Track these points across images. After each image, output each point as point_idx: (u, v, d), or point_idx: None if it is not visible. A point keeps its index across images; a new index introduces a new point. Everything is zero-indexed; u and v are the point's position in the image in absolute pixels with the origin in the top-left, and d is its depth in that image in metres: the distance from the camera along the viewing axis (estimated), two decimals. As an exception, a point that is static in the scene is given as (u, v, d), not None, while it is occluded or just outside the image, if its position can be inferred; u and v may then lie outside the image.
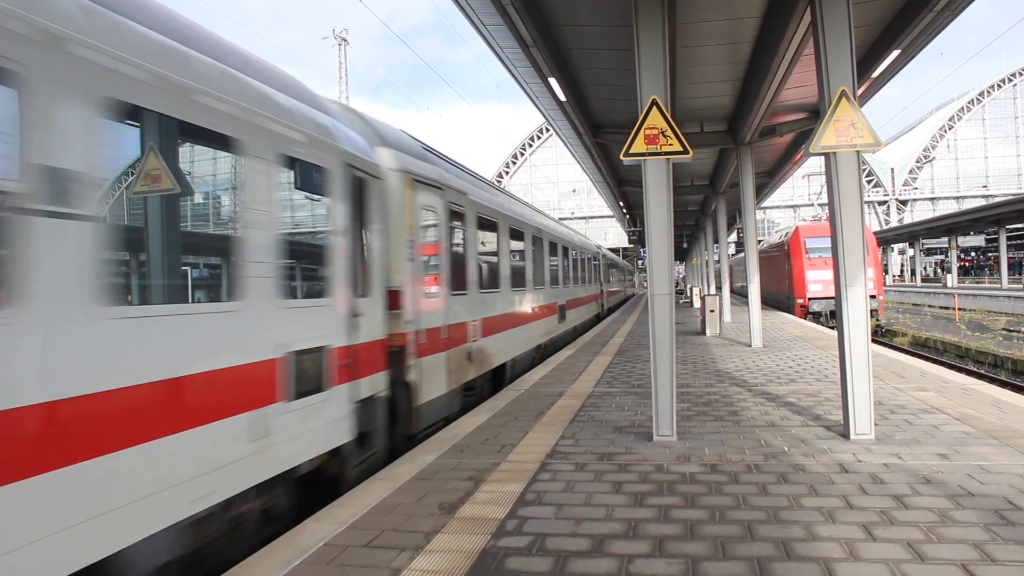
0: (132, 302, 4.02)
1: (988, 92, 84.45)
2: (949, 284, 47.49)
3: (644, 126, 6.34)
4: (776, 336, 16.02)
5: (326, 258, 5.34)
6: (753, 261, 14.87)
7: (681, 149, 6.32)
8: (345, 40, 47.52)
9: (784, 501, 4.41)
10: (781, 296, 30.17)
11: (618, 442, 6.19)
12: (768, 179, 23.16)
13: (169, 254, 3.99)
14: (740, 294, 41.62)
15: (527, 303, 12.52)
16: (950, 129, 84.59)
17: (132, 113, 3.53)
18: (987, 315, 31.67)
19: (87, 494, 3.03)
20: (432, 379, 7.24)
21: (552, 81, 10.83)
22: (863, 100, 13.18)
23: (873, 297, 25.30)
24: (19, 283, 2.79)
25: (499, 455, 5.87)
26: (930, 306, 41.25)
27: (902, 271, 71.05)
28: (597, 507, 4.44)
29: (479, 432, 6.80)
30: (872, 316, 24.79)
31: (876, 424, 6.25)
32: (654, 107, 6.34)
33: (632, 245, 51.17)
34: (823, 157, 6.30)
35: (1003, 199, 50.56)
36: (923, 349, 23.01)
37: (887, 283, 55.83)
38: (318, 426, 4.97)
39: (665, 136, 6.32)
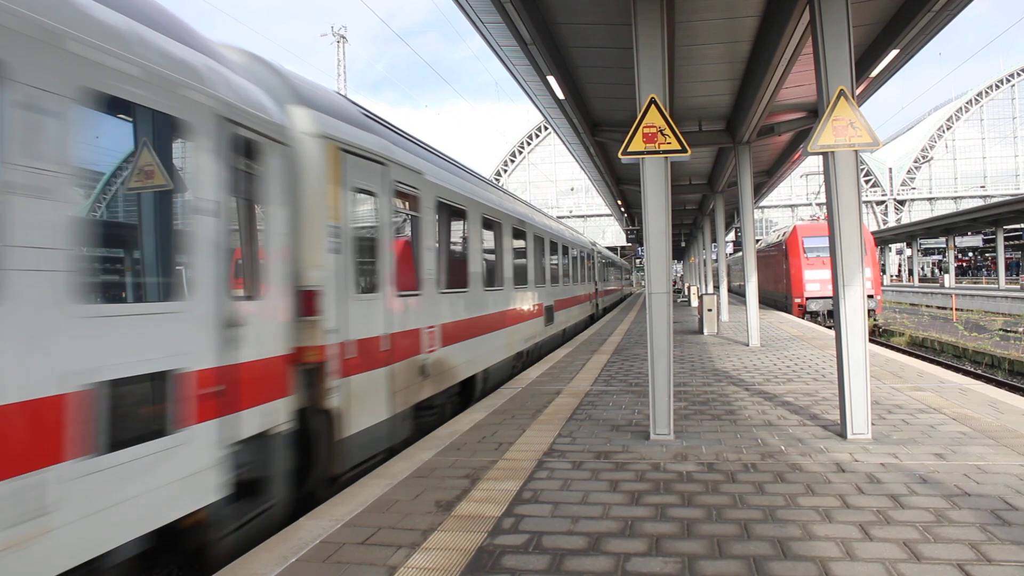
0: None
1: (986, 92, 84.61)
2: (946, 284, 47.62)
3: (642, 124, 6.33)
4: (774, 335, 16.03)
5: (177, 244, 3.89)
6: (751, 260, 14.87)
7: (679, 148, 6.32)
8: (344, 38, 47.40)
9: (781, 500, 4.42)
10: (779, 295, 30.21)
11: (615, 440, 6.19)
12: (766, 178, 23.17)
13: None
14: (738, 293, 41.70)
15: (504, 304, 11.11)
16: (948, 129, 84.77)
17: None
18: (984, 315, 31.73)
19: None
20: (366, 402, 5.84)
21: (551, 79, 10.82)
22: (861, 99, 13.20)
23: (871, 297, 25.37)
24: None
25: (496, 453, 5.87)
26: (927, 306, 41.34)
27: (900, 271, 71.21)
28: (594, 505, 4.44)
29: (476, 430, 6.80)
30: (870, 316, 24.79)
31: (873, 424, 6.26)
32: (652, 106, 6.33)
33: (630, 244, 51.23)
34: (821, 156, 6.30)
35: (1001, 199, 50.70)
36: (920, 349, 23.06)
37: (885, 283, 55.96)
38: (158, 485, 3.51)
39: (663, 135, 6.31)
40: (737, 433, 6.31)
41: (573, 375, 10.43)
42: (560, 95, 11.65)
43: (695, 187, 23.65)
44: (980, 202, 71.62)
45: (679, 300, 36.44)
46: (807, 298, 26.21)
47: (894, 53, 10.10)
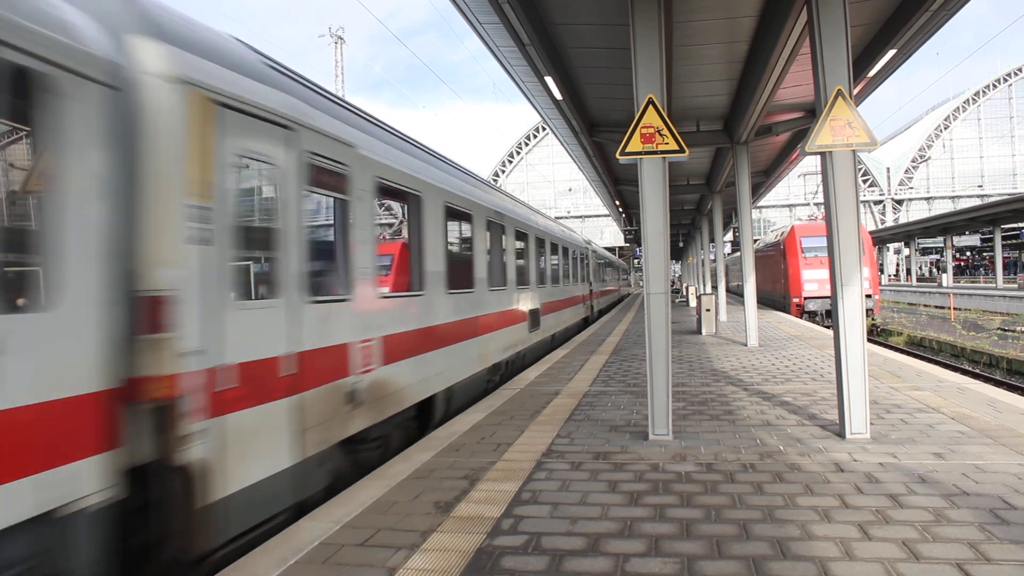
0: None
1: (984, 92, 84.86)
2: (944, 283, 47.73)
3: (640, 125, 6.34)
4: (772, 335, 16.05)
5: None
6: (749, 260, 14.88)
7: (677, 148, 6.32)
8: (341, 38, 47.45)
9: (780, 500, 4.42)
10: (777, 295, 30.23)
11: (614, 441, 6.19)
12: (764, 178, 23.21)
13: None
14: (736, 293, 41.76)
15: (475, 309, 9.58)
16: (946, 129, 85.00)
17: None
18: (982, 314, 31.80)
19: None
20: (253, 448, 4.34)
21: (548, 80, 10.82)
22: (859, 99, 13.21)
23: (869, 296, 25.38)
24: None
25: (495, 454, 5.87)
26: (925, 305, 41.41)
27: (898, 270, 71.35)
28: (593, 506, 4.44)
29: (475, 431, 6.79)
30: (868, 315, 24.83)
31: (872, 423, 6.27)
32: (650, 106, 6.34)
33: (628, 244, 51.27)
34: (819, 156, 6.30)
35: (998, 199, 50.78)
36: (918, 348, 23.11)
37: (883, 282, 56.04)
38: None
39: (661, 135, 6.31)
40: (736, 433, 6.31)
41: (571, 376, 10.43)
42: (558, 96, 11.66)
43: (693, 187, 23.67)
44: (978, 201, 71.77)
45: (677, 300, 36.46)
46: (805, 298, 26.23)
47: (891, 53, 10.11)
